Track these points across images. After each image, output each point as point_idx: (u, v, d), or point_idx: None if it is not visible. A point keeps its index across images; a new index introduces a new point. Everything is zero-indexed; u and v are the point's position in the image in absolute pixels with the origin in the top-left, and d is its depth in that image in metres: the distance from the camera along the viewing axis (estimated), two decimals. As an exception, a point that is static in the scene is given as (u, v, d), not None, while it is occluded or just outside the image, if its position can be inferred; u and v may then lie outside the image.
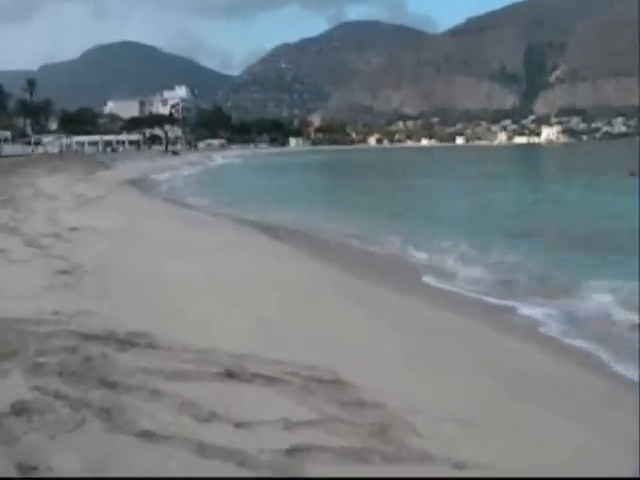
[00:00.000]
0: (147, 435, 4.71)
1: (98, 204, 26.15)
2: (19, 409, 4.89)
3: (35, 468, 4.10)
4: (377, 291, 12.04)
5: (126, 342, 6.86)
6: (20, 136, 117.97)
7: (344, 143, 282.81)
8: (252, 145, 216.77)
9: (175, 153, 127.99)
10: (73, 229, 16.54)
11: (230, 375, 6.09)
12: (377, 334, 8.62)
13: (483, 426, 5.52)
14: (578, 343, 8.97)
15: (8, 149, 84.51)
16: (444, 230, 20.58)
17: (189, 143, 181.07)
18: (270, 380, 6.05)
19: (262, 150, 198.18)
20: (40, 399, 5.12)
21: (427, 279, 13.43)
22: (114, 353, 6.49)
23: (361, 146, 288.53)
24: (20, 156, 77.02)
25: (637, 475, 3.17)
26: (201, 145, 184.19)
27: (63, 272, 10.87)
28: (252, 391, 5.83)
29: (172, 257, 13.50)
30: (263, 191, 42.59)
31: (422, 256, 16.00)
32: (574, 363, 8.07)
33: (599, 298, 10.99)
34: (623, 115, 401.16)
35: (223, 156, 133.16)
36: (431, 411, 5.70)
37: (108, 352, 6.48)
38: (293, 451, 4.67)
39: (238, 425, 5.04)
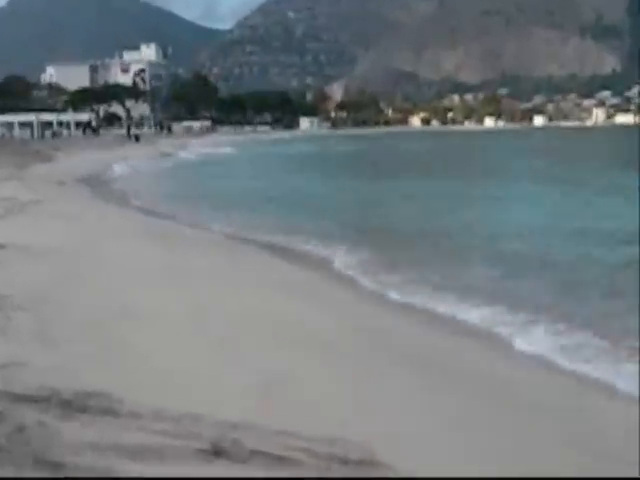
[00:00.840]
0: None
1: (33, 212, 26.24)
2: None
3: None
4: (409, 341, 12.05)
5: (73, 406, 6.89)
6: None
7: (376, 124, 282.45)
8: (248, 128, 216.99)
9: (136, 138, 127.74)
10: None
11: (219, 453, 6.11)
12: (423, 399, 8.64)
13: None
14: None
15: None
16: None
17: (160, 125, 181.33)
18: (275, 460, 6.06)
19: (262, 135, 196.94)
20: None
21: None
22: (56, 421, 6.51)
23: (400, 128, 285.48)
24: None
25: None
26: (177, 128, 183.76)
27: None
28: (250, 475, 5.84)
29: (139, 287, 13.53)
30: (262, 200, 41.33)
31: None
32: None
33: None
34: None
35: (204, 144, 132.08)
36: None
37: (48, 420, 6.50)
38: None
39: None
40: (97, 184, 47.27)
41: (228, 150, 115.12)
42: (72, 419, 6.62)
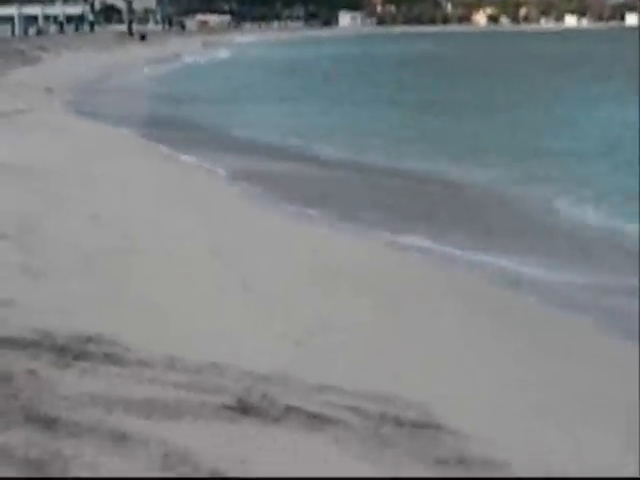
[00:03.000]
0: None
1: (16, 124, 26.31)
2: None
3: None
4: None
5: (70, 351, 6.92)
6: None
7: (432, 22, 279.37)
8: (276, 24, 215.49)
9: (142, 37, 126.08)
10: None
11: (246, 410, 6.15)
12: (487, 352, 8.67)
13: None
14: None
15: None
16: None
17: (168, 21, 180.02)
18: (315, 419, 6.10)
19: (294, 34, 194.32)
20: None
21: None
22: (50, 369, 6.55)
23: (462, 28, 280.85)
24: None
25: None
26: (190, 24, 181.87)
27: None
28: (284, 437, 5.88)
29: (141, 213, 13.57)
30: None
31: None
32: None
33: None
34: None
35: (222, 44, 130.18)
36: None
37: (39, 368, 6.54)
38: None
39: (260, 493, 5.08)
40: (91, 93, 47.09)
41: (253, 52, 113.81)
42: (69, 367, 6.65)
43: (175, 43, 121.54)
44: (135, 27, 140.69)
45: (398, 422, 6.24)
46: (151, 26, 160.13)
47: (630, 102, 40.61)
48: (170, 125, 33.63)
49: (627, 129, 32.06)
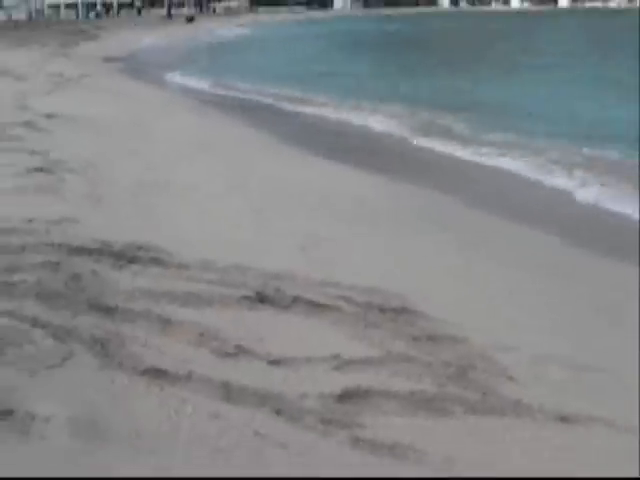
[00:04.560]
0: (155, 374, 4.75)
1: (82, 86, 26.15)
2: (-16, 340, 4.96)
3: (11, 412, 4.14)
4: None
5: (125, 257, 6.92)
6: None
7: (408, 4, 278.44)
8: (284, 8, 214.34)
9: (190, 19, 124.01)
10: (50, 116, 16.59)
11: (263, 300, 6.15)
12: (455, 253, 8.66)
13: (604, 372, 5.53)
14: None
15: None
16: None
17: (200, 6, 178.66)
18: (316, 307, 6.10)
19: (298, 15, 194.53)
20: (14, 327, 5.18)
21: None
22: (109, 270, 6.55)
23: (430, 9, 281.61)
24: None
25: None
26: (218, 8, 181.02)
27: (39, 170, 10.93)
28: (292, 320, 5.88)
29: (183, 157, 13.51)
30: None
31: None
32: None
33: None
34: None
35: (246, 23, 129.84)
36: (528, 349, 5.72)
37: (101, 269, 6.54)
38: (347, 397, 4.68)
39: (274, 362, 5.08)
40: (142, 61, 46.70)
41: (268, 28, 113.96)
42: (124, 269, 6.66)
43: (209, 22, 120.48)
44: (175, 11, 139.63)
45: (381, 309, 6.22)
46: (186, 10, 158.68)
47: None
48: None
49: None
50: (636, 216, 11.30)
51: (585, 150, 16.29)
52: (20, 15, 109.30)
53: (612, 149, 16.11)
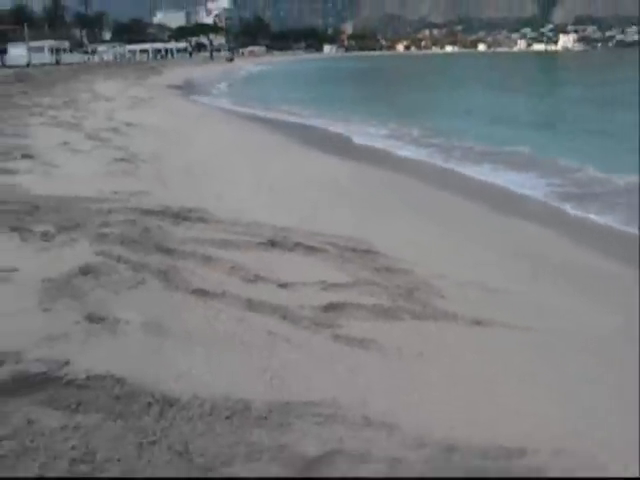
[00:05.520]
0: (200, 293, 4.76)
1: (151, 105, 25.94)
2: (86, 270, 4.94)
3: (103, 319, 4.15)
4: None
5: (180, 216, 6.88)
6: (77, 46, 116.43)
7: (374, 49, 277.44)
8: (290, 52, 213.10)
9: (230, 59, 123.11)
10: (129, 125, 16.49)
11: (274, 244, 6.13)
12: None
13: (506, 293, 5.55)
14: None
15: (67, 58, 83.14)
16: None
17: (232, 50, 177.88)
18: (310, 249, 6.08)
19: (299, 56, 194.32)
20: (104, 262, 5.18)
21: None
22: (169, 225, 6.52)
23: (390, 52, 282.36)
24: (78, 64, 76.43)
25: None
26: (244, 52, 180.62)
27: (122, 160, 10.88)
28: (294, 258, 5.87)
29: (221, 152, 13.45)
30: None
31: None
32: None
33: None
34: (636, 24, 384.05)
35: (264, 62, 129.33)
36: (455, 277, 5.73)
37: (164, 224, 6.51)
38: (330, 308, 4.71)
39: (281, 285, 5.09)
40: (194, 87, 46.40)
41: (280, 65, 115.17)
42: (179, 224, 6.62)
43: (239, 62, 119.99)
44: (216, 54, 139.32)
45: (354, 250, 6.22)
46: (222, 53, 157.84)
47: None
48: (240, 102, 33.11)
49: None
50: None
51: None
52: (109, 58, 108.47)
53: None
